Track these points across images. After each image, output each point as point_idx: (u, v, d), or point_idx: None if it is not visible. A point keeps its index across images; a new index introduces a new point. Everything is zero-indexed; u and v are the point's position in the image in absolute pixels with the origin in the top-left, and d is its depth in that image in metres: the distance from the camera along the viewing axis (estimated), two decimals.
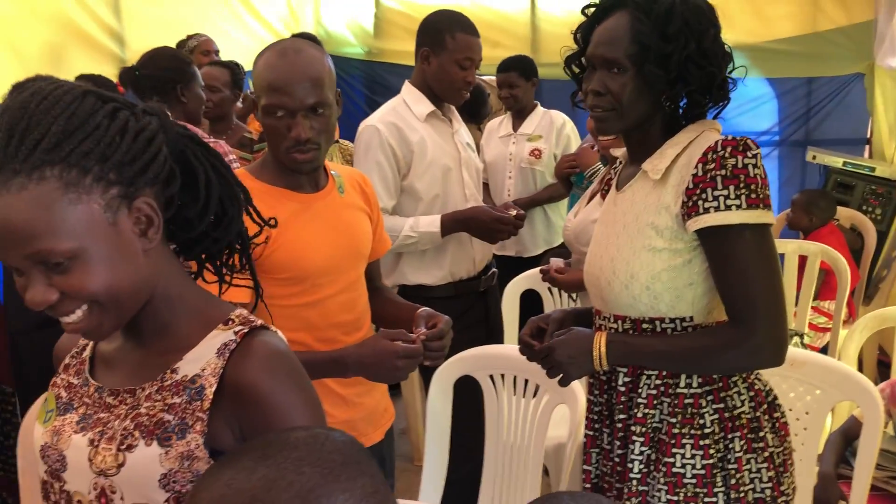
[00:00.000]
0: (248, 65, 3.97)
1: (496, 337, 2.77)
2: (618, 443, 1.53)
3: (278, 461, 0.77)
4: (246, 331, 1.02)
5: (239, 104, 3.92)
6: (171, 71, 2.66)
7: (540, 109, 3.80)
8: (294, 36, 3.54)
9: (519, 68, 3.75)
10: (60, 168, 0.89)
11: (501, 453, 2.24)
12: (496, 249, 3.52)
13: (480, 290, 2.70)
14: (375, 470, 0.81)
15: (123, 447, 0.96)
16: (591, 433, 1.60)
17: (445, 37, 2.49)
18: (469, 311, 2.59)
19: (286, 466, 0.76)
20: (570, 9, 5.15)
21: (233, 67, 3.67)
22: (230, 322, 1.03)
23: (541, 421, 2.16)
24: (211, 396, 0.97)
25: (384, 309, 1.89)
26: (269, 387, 0.98)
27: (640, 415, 1.48)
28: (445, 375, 2.22)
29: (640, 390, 1.49)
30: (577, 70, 1.59)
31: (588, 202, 2.31)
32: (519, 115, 3.80)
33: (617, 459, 1.53)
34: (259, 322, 1.04)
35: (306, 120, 1.61)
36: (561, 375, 1.52)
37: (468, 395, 2.23)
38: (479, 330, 2.63)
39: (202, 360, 0.99)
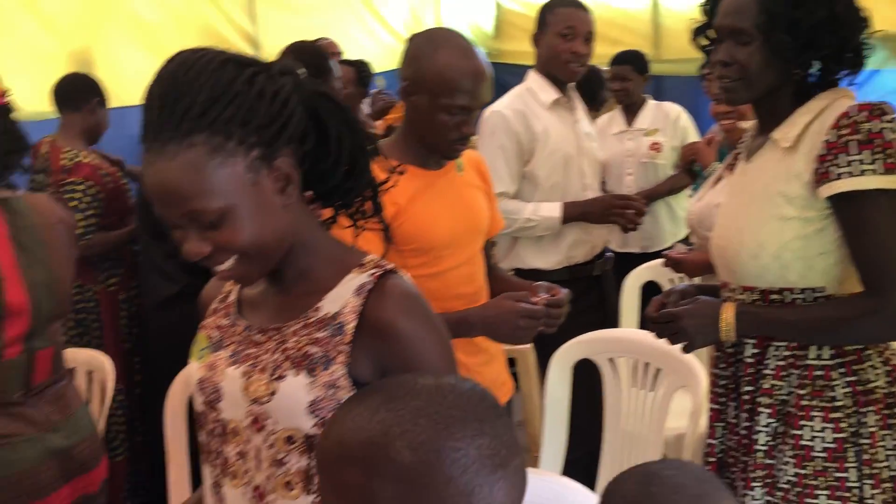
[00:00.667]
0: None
1: (612, 324, 2.75)
2: (744, 415, 1.50)
3: (398, 407, 0.79)
4: (380, 273, 1.08)
5: (364, 107, 4.04)
6: (310, 66, 2.80)
7: (651, 103, 3.75)
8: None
9: (633, 62, 3.72)
10: (207, 135, 0.97)
11: (620, 439, 2.23)
12: (619, 246, 3.50)
13: (595, 275, 2.70)
14: (503, 430, 0.81)
15: (275, 377, 1.04)
16: (716, 407, 1.58)
17: (546, 15, 2.57)
18: (584, 295, 2.58)
19: (403, 415, 0.78)
20: (694, 3, 5.06)
21: (359, 66, 3.80)
22: (364, 266, 1.09)
23: (660, 407, 2.14)
24: (351, 332, 1.04)
25: (499, 286, 1.92)
26: (405, 324, 1.04)
27: (766, 386, 1.46)
28: (564, 358, 2.23)
29: (767, 361, 1.47)
30: (704, 42, 1.59)
31: (714, 186, 2.28)
32: (630, 110, 3.75)
33: (743, 432, 1.51)
34: (391, 265, 1.10)
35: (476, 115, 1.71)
36: (685, 343, 1.51)
37: (586, 379, 2.24)
38: (593, 314, 2.62)
39: (341, 299, 1.06)
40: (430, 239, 1.72)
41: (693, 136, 3.65)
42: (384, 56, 5.25)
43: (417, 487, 0.76)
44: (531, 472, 1.51)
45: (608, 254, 2.79)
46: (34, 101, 2.99)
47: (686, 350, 1.53)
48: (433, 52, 1.70)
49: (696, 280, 2.48)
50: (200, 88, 0.97)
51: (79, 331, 2.95)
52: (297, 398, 1.03)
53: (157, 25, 3.83)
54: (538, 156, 2.54)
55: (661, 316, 1.53)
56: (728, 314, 1.46)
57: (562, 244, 2.61)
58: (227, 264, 1.03)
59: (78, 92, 3.11)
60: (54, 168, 2.96)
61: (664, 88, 4.42)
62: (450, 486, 0.76)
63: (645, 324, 1.63)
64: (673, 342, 1.53)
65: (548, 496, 1.51)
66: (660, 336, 1.55)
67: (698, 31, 1.59)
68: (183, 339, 2.60)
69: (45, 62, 3.33)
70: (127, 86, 3.35)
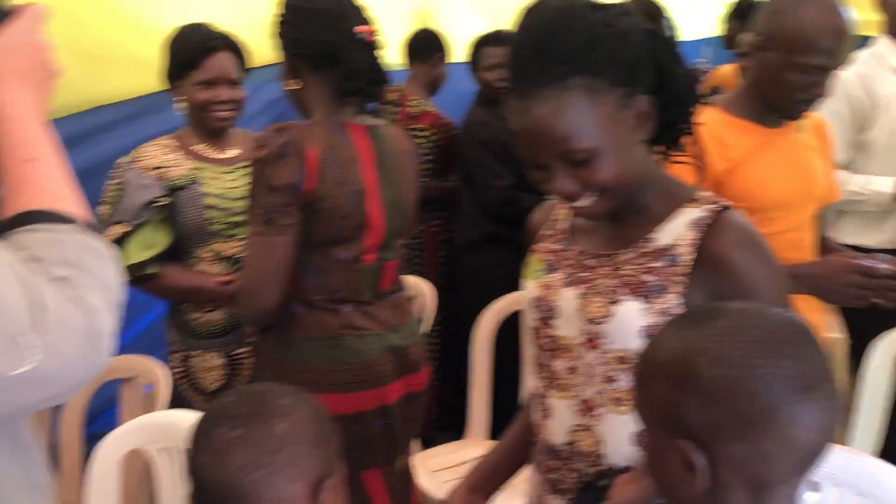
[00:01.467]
0: None
1: None
2: None
3: (704, 328, 0.81)
4: (719, 209, 1.09)
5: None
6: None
7: None
8: None
9: None
10: (583, 77, 1.02)
11: None
12: None
13: None
14: (811, 356, 0.80)
15: (611, 301, 1.10)
16: None
17: None
18: None
19: (708, 335, 0.80)
20: None
21: (648, 7, 3.69)
22: (698, 201, 1.11)
23: None
24: (689, 264, 1.06)
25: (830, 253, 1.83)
26: (743, 259, 1.05)
27: None
28: (891, 345, 2.05)
29: None
30: None
31: None
32: None
33: None
34: (728, 202, 1.11)
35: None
36: None
37: None
38: None
39: (675, 232, 1.09)
40: (762, 198, 1.67)
41: None
42: (704, 24, 5.05)
43: (720, 402, 0.78)
44: (844, 450, 1.43)
45: None
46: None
47: None
48: (796, 6, 1.63)
49: None
50: (574, 33, 1.03)
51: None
52: (631, 322, 1.08)
53: None
54: (878, 123, 2.36)
55: None
56: None
57: (889, 222, 2.41)
58: (588, 201, 1.09)
59: (427, 46, 3.39)
60: (402, 114, 3.27)
61: None
62: (752, 403, 0.77)
63: None
64: None
65: (859, 473, 1.43)
66: None
67: None
68: (486, 279, 2.76)
69: (391, 18, 3.64)
70: (457, 44, 3.56)
